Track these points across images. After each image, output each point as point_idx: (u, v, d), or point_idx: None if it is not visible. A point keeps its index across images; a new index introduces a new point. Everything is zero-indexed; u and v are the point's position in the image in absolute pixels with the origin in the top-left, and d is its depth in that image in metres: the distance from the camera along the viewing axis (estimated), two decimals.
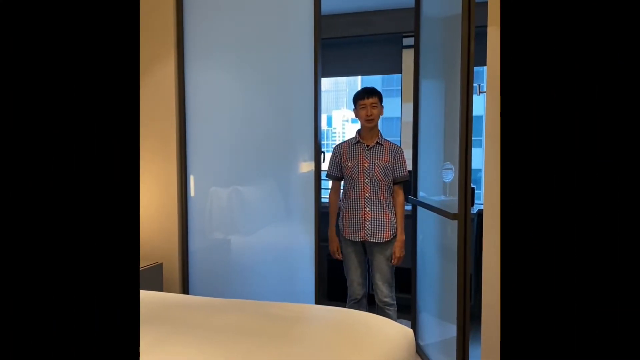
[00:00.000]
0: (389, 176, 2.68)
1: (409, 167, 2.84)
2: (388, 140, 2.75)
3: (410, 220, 2.88)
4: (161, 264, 2.74)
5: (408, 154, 2.86)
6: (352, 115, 2.82)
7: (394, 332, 1.81)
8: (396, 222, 2.70)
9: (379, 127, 2.80)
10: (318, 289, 2.68)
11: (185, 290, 2.81)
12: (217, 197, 2.98)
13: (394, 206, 2.72)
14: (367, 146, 2.71)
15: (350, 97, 2.77)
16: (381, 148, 2.70)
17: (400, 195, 2.71)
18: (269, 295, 2.80)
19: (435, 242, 2.71)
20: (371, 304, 2.82)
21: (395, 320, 2.46)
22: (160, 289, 2.72)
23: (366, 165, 2.69)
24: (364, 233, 2.70)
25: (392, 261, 2.69)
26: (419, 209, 2.82)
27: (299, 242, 2.76)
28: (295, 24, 2.67)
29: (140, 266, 2.60)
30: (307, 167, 2.72)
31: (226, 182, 2.90)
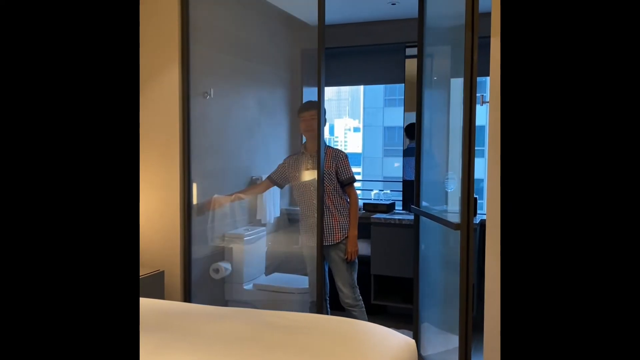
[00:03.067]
0: (334, 181, 2.77)
1: (412, 176, 2.83)
2: (332, 148, 2.86)
3: (413, 230, 2.88)
4: (163, 271, 2.73)
5: (410, 163, 2.86)
6: (355, 124, 2.85)
7: (395, 342, 1.80)
8: (348, 224, 2.79)
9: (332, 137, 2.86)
10: (320, 297, 2.68)
11: (186, 298, 2.80)
12: (220, 205, 2.97)
13: (350, 205, 2.82)
14: (310, 155, 2.81)
15: (353, 106, 2.81)
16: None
17: (352, 195, 2.83)
18: (270, 304, 2.79)
19: (438, 252, 2.70)
20: (340, 309, 2.84)
21: (365, 320, 2.45)
22: (162, 297, 2.71)
23: None
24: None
25: (346, 257, 2.76)
26: (422, 219, 2.82)
27: (301, 250, 2.76)
28: (299, 33, 2.68)
29: (141, 274, 2.60)
30: (310, 175, 2.73)
31: (228, 189, 2.90)
